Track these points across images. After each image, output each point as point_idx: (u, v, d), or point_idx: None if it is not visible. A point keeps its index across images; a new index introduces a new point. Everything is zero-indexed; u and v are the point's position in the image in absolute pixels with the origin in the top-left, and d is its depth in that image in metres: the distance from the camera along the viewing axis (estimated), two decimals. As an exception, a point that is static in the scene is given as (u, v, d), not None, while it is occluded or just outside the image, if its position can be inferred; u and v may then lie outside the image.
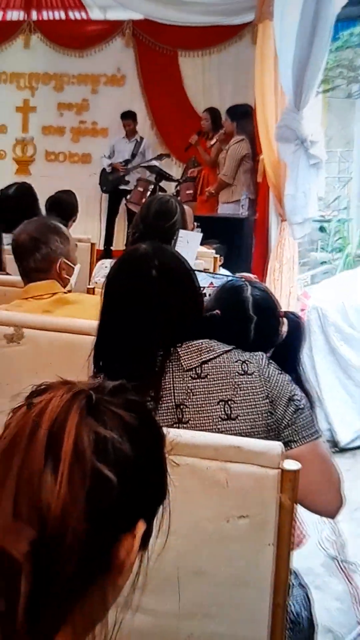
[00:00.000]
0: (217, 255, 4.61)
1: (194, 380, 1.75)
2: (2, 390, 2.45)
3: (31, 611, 0.79)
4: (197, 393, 1.74)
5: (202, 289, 2.29)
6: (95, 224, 9.49)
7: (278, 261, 6.50)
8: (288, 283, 6.42)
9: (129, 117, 9.40)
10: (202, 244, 5.33)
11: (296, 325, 2.09)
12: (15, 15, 10.31)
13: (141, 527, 0.89)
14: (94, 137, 10.00)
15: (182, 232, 3.51)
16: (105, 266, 3.72)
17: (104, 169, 9.51)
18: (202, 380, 1.75)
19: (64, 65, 10.13)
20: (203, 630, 1.58)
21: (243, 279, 2.25)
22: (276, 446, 1.53)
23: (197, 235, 3.76)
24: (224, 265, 5.56)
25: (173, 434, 1.49)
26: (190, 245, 3.59)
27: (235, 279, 2.37)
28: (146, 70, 9.72)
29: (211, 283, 2.89)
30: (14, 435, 0.84)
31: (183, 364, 1.77)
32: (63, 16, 10.14)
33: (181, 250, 3.43)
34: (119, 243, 9.40)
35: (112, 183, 9.34)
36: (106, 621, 0.90)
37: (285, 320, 2.09)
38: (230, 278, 2.74)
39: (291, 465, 1.51)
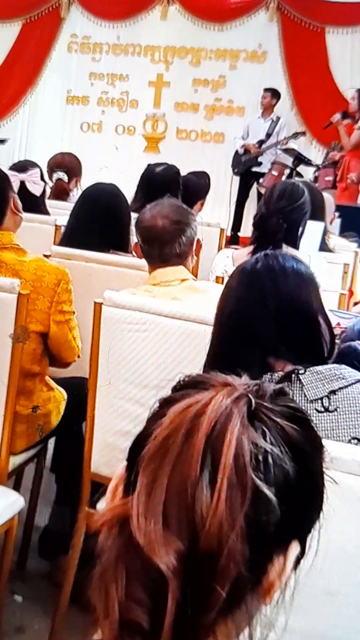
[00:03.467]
0: (358, 250, 4.48)
1: (320, 414, 1.62)
2: (124, 376, 2.47)
3: (176, 631, 0.76)
4: (324, 429, 1.61)
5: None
6: (224, 207, 9.46)
7: None
8: None
9: (269, 91, 9.34)
10: (340, 236, 5.23)
11: None
12: (154, -16, 10.43)
13: (294, 548, 0.85)
14: (229, 116, 10.01)
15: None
16: (226, 256, 3.66)
17: (236, 151, 9.46)
18: (331, 414, 1.62)
19: (202, 39, 10.20)
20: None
21: None
22: None
23: (319, 225, 3.67)
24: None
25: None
26: (312, 236, 3.51)
27: None
28: (290, 47, 9.65)
29: (338, 323, 2.77)
30: (166, 436, 0.80)
31: (307, 393, 1.64)
32: (204, -13, 10.18)
33: (304, 241, 3.38)
34: (248, 229, 9.34)
35: (244, 164, 9.28)
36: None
37: None
38: None
39: None
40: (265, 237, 3.19)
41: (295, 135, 8.94)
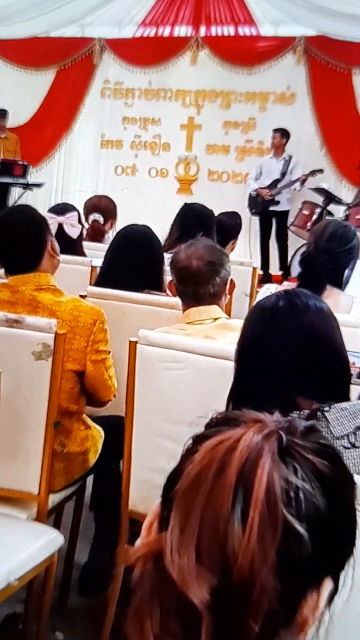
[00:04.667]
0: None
1: (348, 451, 1.59)
2: (160, 413, 2.47)
3: None
4: (352, 465, 1.56)
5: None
6: (252, 247, 9.47)
7: None
8: None
9: (278, 131, 9.43)
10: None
11: None
12: (183, 31, 10.63)
13: (327, 584, 0.85)
14: (260, 157, 10.04)
15: None
16: (270, 291, 3.67)
17: (250, 193, 9.55)
18: (357, 450, 1.58)
19: (232, 82, 10.30)
20: None
21: None
22: None
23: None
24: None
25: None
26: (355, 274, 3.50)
27: None
28: (318, 89, 9.72)
29: (353, 363, 2.75)
30: (198, 472, 0.81)
31: (333, 430, 1.61)
32: (232, 32, 10.34)
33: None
34: (274, 267, 9.35)
35: (261, 205, 9.34)
36: None
37: None
38: None
39: None
40: (310, 275, 3.18)
41: (313, 172, 8.97)
